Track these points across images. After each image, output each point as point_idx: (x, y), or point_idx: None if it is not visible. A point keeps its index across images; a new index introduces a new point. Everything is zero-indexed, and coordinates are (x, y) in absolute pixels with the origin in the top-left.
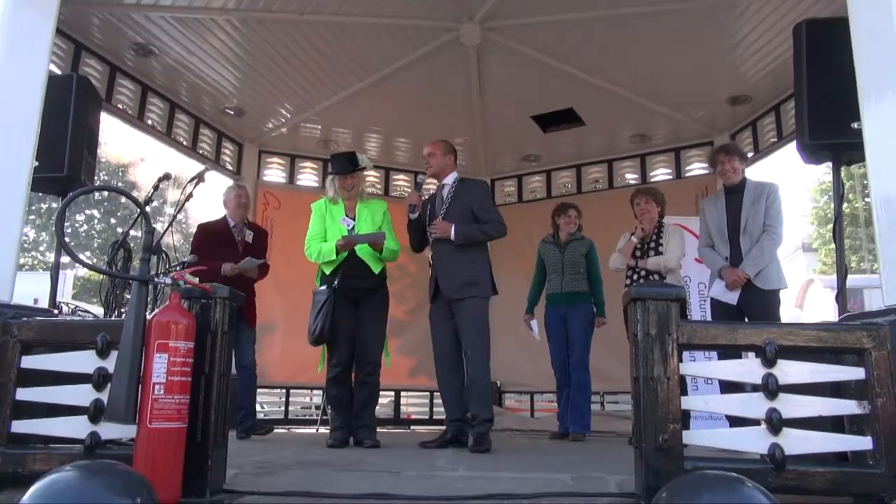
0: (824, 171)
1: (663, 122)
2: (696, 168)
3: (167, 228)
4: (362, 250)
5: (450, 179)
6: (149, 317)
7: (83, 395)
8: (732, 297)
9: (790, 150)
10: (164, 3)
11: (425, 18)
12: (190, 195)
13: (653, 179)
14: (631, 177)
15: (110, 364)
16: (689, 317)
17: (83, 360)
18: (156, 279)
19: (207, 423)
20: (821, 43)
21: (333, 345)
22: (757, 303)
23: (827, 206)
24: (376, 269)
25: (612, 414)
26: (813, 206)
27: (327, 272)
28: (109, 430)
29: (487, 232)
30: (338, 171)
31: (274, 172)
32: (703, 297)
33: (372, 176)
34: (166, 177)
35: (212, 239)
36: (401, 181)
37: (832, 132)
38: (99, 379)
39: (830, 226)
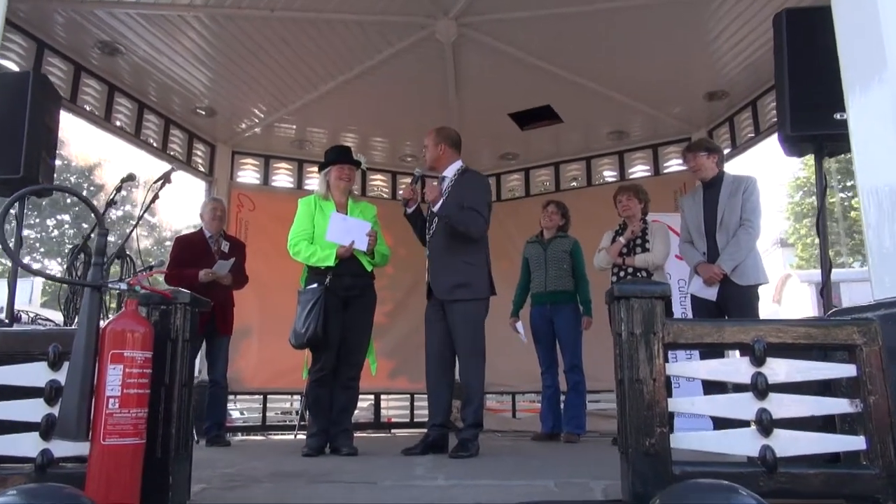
0: (799, 166)
1: (641, 119)
2: (674, 164)
3: (131, 232)
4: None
5: (450, 171)
6: (103, 325)
7: (34, 410)
8: (711, 293)
9: (767, 145)
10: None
11: (399, 14)
12: (156, 196)
13: (631, 176)
14: (609, 174)
15: (63, 376)
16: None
17: (34, 373)
18: (109, 284)
19: (168, 438)
20: (802, 32)
21: (321, 347)
22: (734, 299)
23: (802, 201)
24: (369, 267)
25: (595, 413)
26: (788, 202)
27: (320, 268)
28: (63, 448)
29: (465, 220)
30: (334, 161)
31: (248, 174)
32: (683, 294)
33: None
34: (130, 178)
35: (189, 250)
36: (377, 181)
37: (814, 123)
38: (51, 392)
39: (806, 220)
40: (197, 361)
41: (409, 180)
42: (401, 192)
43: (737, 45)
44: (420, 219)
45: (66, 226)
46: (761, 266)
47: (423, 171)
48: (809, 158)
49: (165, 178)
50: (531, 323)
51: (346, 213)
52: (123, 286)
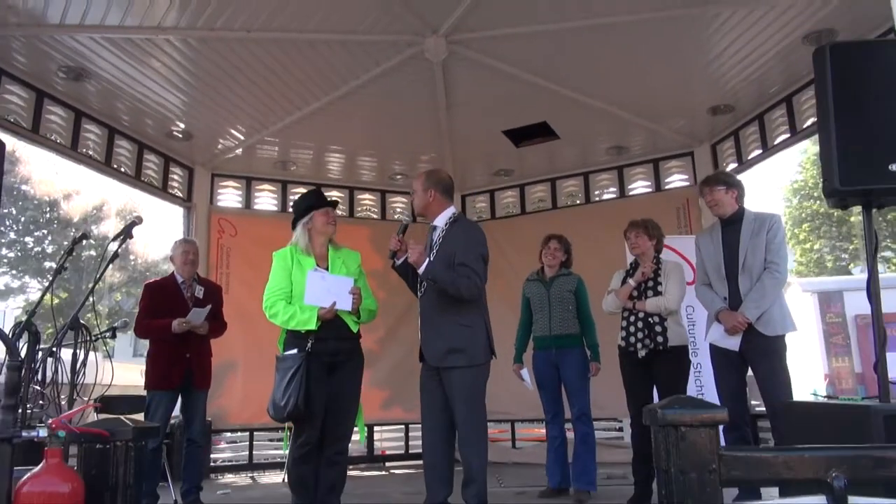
0: (797, 170)
1: (641, 133)
2: (676, 180)
3: (87, 297)
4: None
5: (441, 220)
6: (23, 479)
7: None
8: (734, 343)
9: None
10: (92, 23)
11: (385, 33)
12: (115, 254)
13: (631, 192)
14: (608, 190)
15: None
16: None
17: None
18: (23, 433)
19: None
20: (849, 71)
21: (305, 419)
22: (759, 350)
23: (800, 204)
24: (355, 329)
25: (600, 442)
26: (786, 206)
27: (301, 331)
28: None
29: (454, 281)
30: (315, 206)
31: (229, 197)
32: (690, 322)
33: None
34: (84, 236)
35: (160, 297)
36: (366, 200)
37: (867, 176)
38: None
39: (805, 225)
40: (174, 414)
41: (399, 197)
42: (398, 210)
43: (742, 61)
44: (411, 270)
45: (47, 241)
46: (788, 313)
47: (409, 219)
48: (807, 160)
49: (126, 234)
50: (534, 368)
51: (327, 264)
52: (42, 433)
